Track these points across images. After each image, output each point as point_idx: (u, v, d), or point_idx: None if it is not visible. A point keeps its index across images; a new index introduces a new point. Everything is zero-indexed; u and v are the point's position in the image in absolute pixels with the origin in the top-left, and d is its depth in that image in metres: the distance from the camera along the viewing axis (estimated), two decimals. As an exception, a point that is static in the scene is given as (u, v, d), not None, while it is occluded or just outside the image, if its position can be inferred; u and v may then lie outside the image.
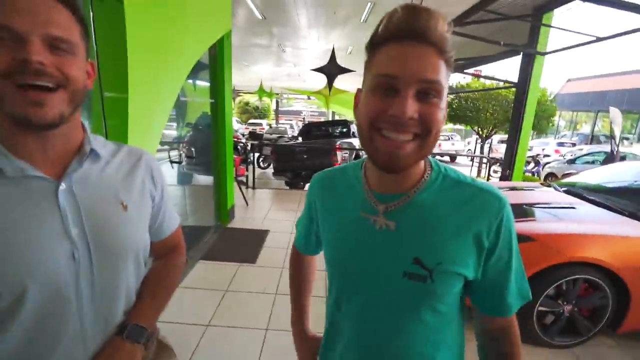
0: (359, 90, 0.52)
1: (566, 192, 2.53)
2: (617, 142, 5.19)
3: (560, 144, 13.52)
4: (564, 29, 4.63)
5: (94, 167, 0.53)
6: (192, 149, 2.61)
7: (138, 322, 0.57)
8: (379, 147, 0.45)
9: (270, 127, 13.77)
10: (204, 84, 3.12)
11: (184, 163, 2.52)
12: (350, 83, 12.75)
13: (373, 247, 0.53)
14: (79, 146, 0.53)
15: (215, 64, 3.10)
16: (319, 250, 0.73)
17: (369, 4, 4.62)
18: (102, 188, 0.53)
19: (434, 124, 0.44)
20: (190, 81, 2.81)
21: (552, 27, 4.75)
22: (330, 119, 11.61)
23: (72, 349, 0.50)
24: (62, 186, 0.49)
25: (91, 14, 1.47)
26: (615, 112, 5.62)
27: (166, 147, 2.47)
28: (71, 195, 0.49)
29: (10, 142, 0.46)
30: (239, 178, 4.54)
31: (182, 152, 2.58)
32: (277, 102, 25.16)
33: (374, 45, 0.46)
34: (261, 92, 12.13)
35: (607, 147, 7.12)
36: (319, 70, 5.82)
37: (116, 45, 1.55)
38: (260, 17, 5.42)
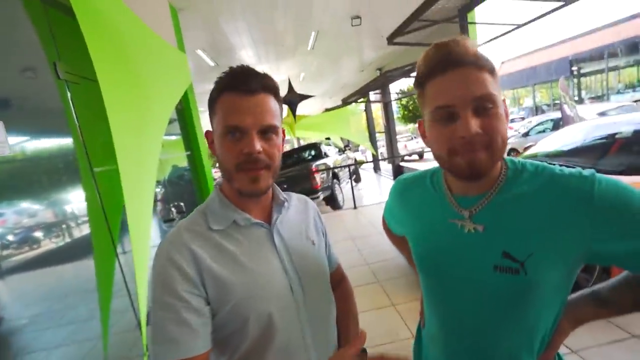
0: (420, 121, 0.59)
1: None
2: (570, 105, 5.72)
3: (512, 120, 14.60)
4: (487, 23, 5.16)
5: (285, 212, 0.66)
6: (182, 204, 2.61)
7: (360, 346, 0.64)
8: (458, 164, 0.51)
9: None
10: (177, 138, 3.16)
11: (176, 220, 2.51)
12: (309, 107, 13.09)
13: (463, 247, 0.56)
14: (272, 196, 0.65)
15: (184, 118, 3.16)
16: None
17: (313, 32, 4.91)
18: (294, 228, 0.65)
19: (497, 131, 0.48)
20: (166, 138, 2.85)
21: (477, 23, 5.28)
22: (295, 144, 11.90)
23: None
24: (274, 230, 0.60)
25: (68, 94, 1.52)
26: (562, 82, 6.29)
27: (158, 206, 2.47)
28: (280, 237, 0.61)
29: (238, 202, 0.61)
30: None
31: (171, 209, 2.57)
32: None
33: (422, 83, 0.53)
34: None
35: (552, 115, 7.78)
36: (280, 101, 5.99)
37: (97, 122, 1.59)
38: (212, 64, 5.57)
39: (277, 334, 0.56)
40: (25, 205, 1.47)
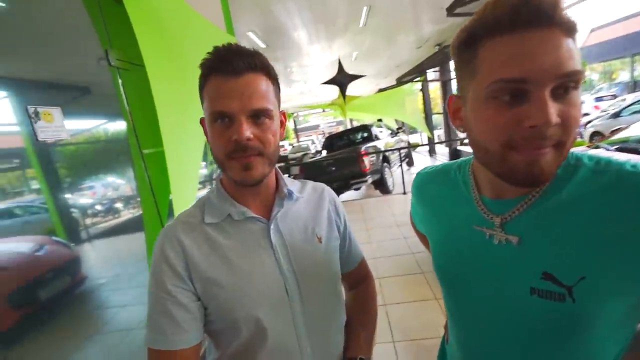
0: (452, 97, 0.45)
1: (619, 149, 2.33)
2: None
3: (599, 99, 12.55)
4: (574, -19, 4.39)
5: (290, 204, 0.61)
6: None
7: (363, 355, 0.60)
8: (516, 165, 0.37)
9: (293, 146, 14.08)
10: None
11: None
12: (362, 87, 12.70)
13: (491, 262, 0.45)
14: (275, 187, 0.61)
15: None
16: None
17: (365, 7, 4.65)
18: (299, 223, 0.60)
19: (576, 124, 0.35)
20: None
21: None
22: (348, 126, 11.71)
23: None
24: (272, 225, 0.56)
25: (120, 81, 1.62)
26: None
27: (207, 185, 2.62)
28: (279, 233, 0.57)
29: (236, 195, 0.57)
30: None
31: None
32: (294, 122, 25.66)
33: (474, 41, 0.38)
34: (278, 115, 12.53)
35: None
36: (330, 82, 5.89)
37: (146, 106, 1.69)
38: (263, 46, 5.63)
39: (269, 337, 0.53)
40: (107, 180, 1.66)
